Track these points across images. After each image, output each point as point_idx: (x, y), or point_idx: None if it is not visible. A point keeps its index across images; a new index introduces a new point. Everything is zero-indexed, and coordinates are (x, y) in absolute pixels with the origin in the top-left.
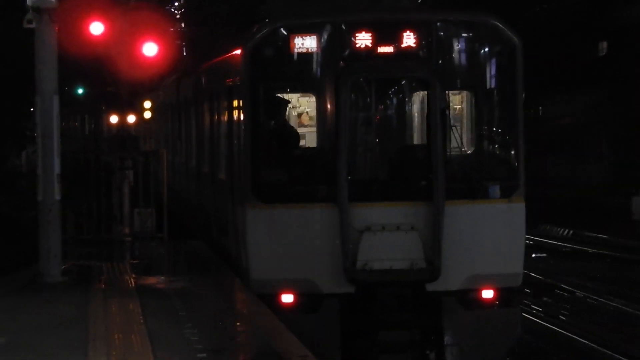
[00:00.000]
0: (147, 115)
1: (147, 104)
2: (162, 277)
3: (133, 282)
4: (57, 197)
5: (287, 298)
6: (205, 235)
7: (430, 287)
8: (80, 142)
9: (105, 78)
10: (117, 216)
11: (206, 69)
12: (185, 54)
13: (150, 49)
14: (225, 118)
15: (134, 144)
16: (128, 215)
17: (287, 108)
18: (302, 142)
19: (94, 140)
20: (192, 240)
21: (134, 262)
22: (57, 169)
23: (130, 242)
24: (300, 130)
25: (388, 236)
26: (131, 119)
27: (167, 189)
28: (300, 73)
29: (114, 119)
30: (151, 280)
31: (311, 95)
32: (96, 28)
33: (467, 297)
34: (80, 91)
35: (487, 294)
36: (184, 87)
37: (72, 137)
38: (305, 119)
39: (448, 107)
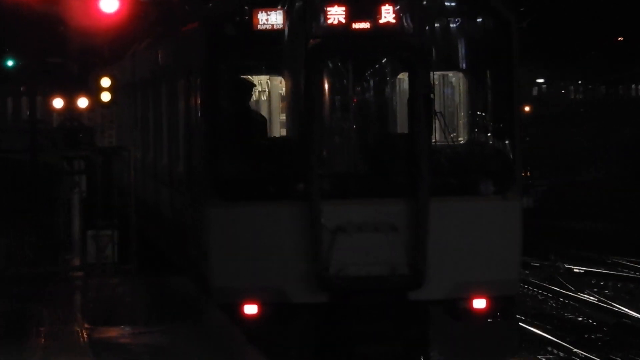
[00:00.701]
0: (106, 97)
1: (106, 82)
2: (127, 328)
3: (86, 336)
4: None
5: (251, 309)
6: (171, 248)
7: (414, 295)
8: (11, 135)
9: (47, 44)
10: (64, 241)
11: (163, 43)
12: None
13: (109, 3)
14: (183, 103)
15: (87, 138)
16: (79, 240)
17: (254, 92)
18: (270, 130)
19: (30, 133)
20: (172, 276)
21: (88, 306)
22: None
23: (83, 278)
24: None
25: (366, 238)
26: (83, 102)
27: (137, 200)
28: (265, 52)
29: (58, 102)
30: (111, 332)
31: (279, 77)
32: None
33: (456, 307)
34: (10, 63)
35: (479, 303)
36: (141, 63)
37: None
38: (277, 104)
39: (433, 91)
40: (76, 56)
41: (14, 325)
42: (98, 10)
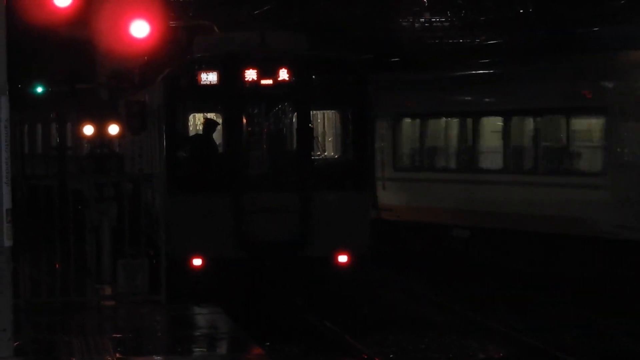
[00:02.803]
0: (136, 124)
1: (135, 108)
2: (157, 358)
3: None
4: (7, 243)
5: (197, 261)
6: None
7: (301, 253)
8: (40, 162)
9: (76, 70)
10: (93, 270)
11: (151, 87)
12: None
13: (140, 27)
14: (157, 130)
15: (117, 165)
16: (109, 269)
17: (205, 124)
18: (210, 148)
19: (59, 159)
20: (202, 306)
21: (118, 336)
22: (6, 202)
23: (113, 308)
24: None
25: (271, 216)
26: (114, 129)
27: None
28: (205, 98)
29: (89, 129)
30: None
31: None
32: None
33: (329, 261)
34: (39, 89)
35: (343, 258)
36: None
37: (28, 155)
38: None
39: (312, 123)
40: (106, 82)
41: (44, 355)
42: (128, 35)
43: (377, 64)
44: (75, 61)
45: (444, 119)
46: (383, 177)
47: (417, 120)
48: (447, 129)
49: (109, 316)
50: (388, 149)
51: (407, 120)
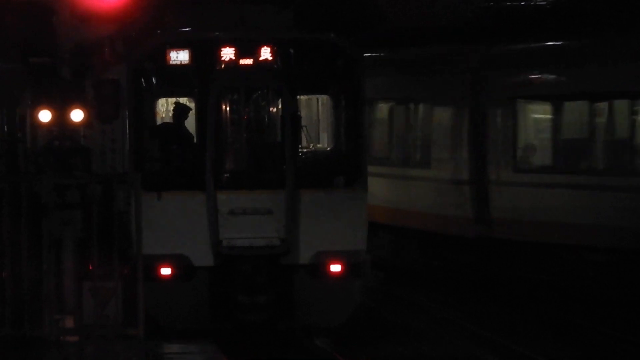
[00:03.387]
0: (107, 110)
1: (107, 90)
2: None
3: None
4: None
5: (166, 270)
6: None
7: (284, 260)
8: None
9: (31, 41)
10: (52, 296)
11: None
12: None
13: None
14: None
15: (83, 162)
16: (72, 294)
17: (176, 111)
18: (183, 140)
19: (8, 155)
20: (195, 339)
21: None
22: None
23: (77, 345)
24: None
25: (249, 218)
26: (77, 115)
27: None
28: (175, 80)
29: (45, 115)
30: None
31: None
32: None
33: (317, 270)
34: None
35: (335, 267)
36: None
37: None
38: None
39: (298, 110)
40: (69, 56)
41: None
42: None
43: (465, 36)
44: (30, 30)
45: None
46: (498, 181)
47: (548, 105)
48: (599, 115)
49: (72, 355)
50: (505, 144)
51: (531, 105)
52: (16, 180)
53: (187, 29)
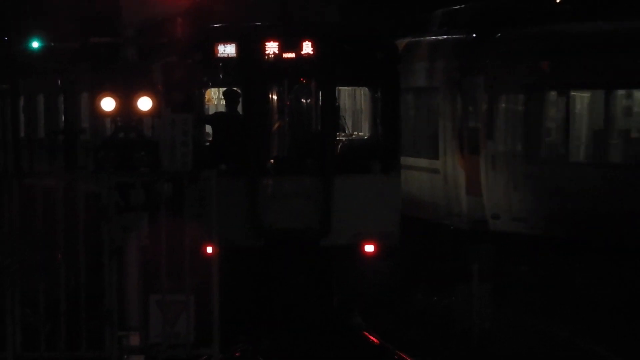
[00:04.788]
0: (179, 97)
1: (181, 73)
2: None
3: None
4: None
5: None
6: None
7: (323, 242)
8: (41, 151)
9: (91, 18)
10: (114, 311)
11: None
12: None
13: None
14: None
15: (150, 158)
16: (137, 309)
17: (235, 97)
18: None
19: (66, 148)
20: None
21: None
22: None
23: None
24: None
25: (290, 202)
26: (145, 104)
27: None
28: (223, 72)
29: (108, 103)
30: None
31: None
32: None
33: (354, 250)
34: (35, 45)
35: (369, 248)
36: None
37: (24, 142)
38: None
39: (337, 101)
40: (135, 35)
41: None
42: None
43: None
44: (90, 4)
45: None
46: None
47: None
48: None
49: None
50: (520, 134)
51: (553, 92)
52: (72, 177)
53: (234, 23)
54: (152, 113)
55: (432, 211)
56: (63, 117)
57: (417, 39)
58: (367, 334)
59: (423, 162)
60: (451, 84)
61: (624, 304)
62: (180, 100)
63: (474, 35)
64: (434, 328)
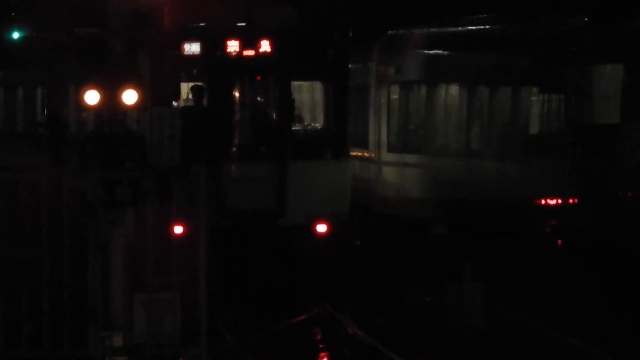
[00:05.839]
0: (168, 89)
1: (169, 67)
2: None
3: None
4: None
5: (178, 230)
6: None
7: (280, 222)
8: (22, 146)
9: (75, 9)
10: (98, 310)
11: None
12: None
13: None
14: None
15: (137, 153)
16: (122, 308)
17: (201, 92)
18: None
19: (49, 142)
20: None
21: None
22: None
23: None
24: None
25: (250, 185)
26: (131, 97)
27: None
28: (188, 68)
29: (92, 96)
30: None
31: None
32: None
33: (308, 230)
34: (15, 35)
35: (322, 227)
36: None
37: (5, 136)
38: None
39: (292, 95)
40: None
41: None
42: None
43: None
44: None
45: None
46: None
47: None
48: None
49: None
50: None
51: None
52: (57, 173)
53: (199, 24)
54: (137, 106)
55: None
56: (45, 110)
57: None
58: (357, 332)
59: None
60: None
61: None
62: (168, 94)
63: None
64: (425, 326)
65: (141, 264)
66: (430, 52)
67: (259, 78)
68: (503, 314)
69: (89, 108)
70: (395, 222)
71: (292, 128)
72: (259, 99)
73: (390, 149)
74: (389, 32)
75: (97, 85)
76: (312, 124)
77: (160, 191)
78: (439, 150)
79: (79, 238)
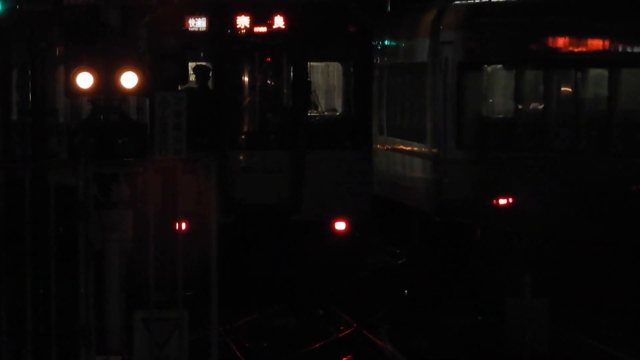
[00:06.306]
0: (171, 70)
1: (170, 43)
2: None
3: None
4: None
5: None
6: None
7: (294, 217)
8: (13, 135)
9: None
10: (91, 329)
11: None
12: None
13: None
14: None
15: (135, 142)
16: (119, 327)
17: (205, 73)
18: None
19: (34, 131)
20: None
21: None
22: None
23: None
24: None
25: (261, 176)
26: (129, 80)
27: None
28: (193, 46)
29: (85, 79)
30: None
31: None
32: None
33: (324, 227)
34: None
35: (340, 225)
36: None
37: None
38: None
39: (309, 76)
40: None
41: None
42: None
43: None
44: None
45: None
46: None
47: None
48: None
49: None
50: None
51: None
52: (42, 167)
53: None
54: (137, 91)
55: None
56: (30, 95)
57: None
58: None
59: None
60: None
61: None
62: (173, 74)
63: None
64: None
65: (141, 275)
66: (533, 22)
67: (269, 59)
68: (571, 336)
69: (81, 93)
70: (469, 233)
71: (308, 114)
72: (271, 81)
73: (464, 145)
74: None
75: (90, 66)
76: (332, 110)
77: (163, 189)
78: (550, 147)
79: (68, 244)
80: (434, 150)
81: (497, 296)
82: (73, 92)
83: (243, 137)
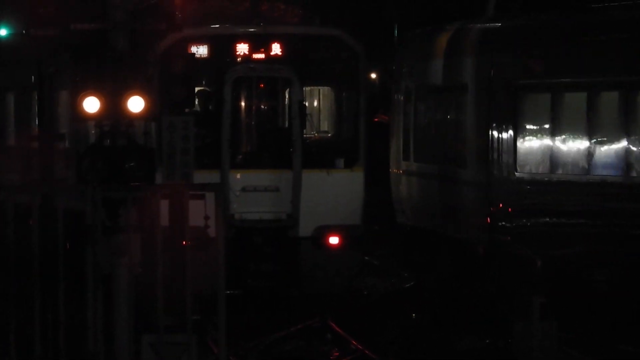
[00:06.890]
0: (179, 94)
1: (182, 65)
2: None
3: None
4: None
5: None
6: None
7: (290, 233)
8: (12, 160)
9: (71, 1)
10: (100, 353)
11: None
12: None
13: None
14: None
15: (143, 167)
16: (128, 351)
17: (207, 97)
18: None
19: (42, 156)
20: None
21: None
22: None
23: None
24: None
25: (259, 195)
26: (136, 104)
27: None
28: (196, 72)
29: (92, 103)
30: None
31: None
32: None
33: (318, 242)
34: (2, 32)
35: (334, 240)
36: None
37: None
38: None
39: (304, 99)
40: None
41: None
42: None
43: None
44: None
45: None
46: None
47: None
48: None
49: None
50: None
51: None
52: (50, 192)
53: (207, 27)
54: (144, 115)
55: None
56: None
57: None
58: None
59: None
60: None
61: None
62: (182, 98)
63: None
64: None
65: (150, 300)
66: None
67: (262, 85)
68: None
69: (88, 117)
70: (524, 264)
71: (304, 135)
72: (268, 104)
73: (519, 170)
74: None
75: (97, 91)
76: (324, 132)
77: (171, 213)
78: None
79: (76, 269)
80: (480, 176)
81: (506, 319)
82: (80, 116)
83: (242, 157)
